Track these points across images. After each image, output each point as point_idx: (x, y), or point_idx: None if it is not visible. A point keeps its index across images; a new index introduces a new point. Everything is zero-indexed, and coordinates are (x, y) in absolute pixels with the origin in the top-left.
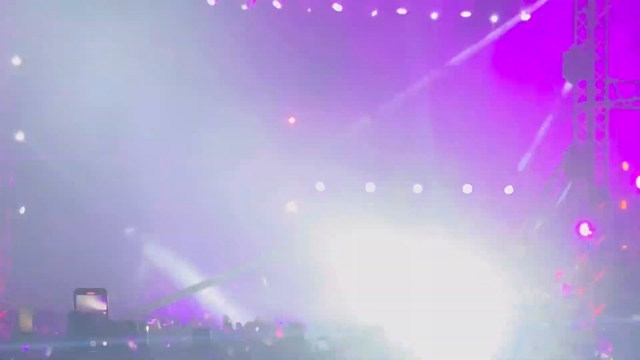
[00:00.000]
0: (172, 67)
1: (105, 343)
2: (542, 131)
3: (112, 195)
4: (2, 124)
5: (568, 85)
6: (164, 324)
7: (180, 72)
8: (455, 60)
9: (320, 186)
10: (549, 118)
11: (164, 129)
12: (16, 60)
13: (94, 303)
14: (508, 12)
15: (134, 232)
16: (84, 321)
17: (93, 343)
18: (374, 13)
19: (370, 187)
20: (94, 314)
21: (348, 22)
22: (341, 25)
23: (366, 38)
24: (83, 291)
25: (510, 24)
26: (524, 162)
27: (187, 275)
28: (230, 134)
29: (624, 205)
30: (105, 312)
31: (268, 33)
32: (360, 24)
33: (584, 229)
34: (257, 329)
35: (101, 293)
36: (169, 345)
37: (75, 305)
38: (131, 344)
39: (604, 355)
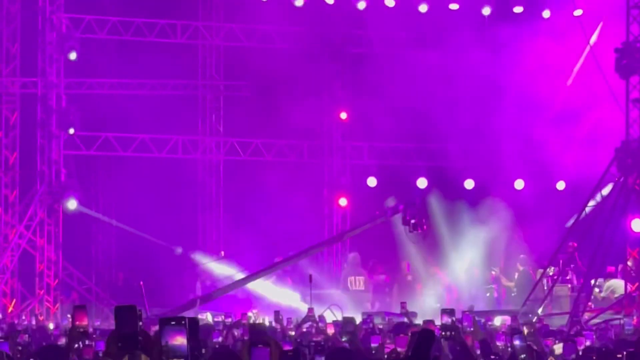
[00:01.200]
0: None
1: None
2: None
3: None
4: None
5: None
6: (215, 319)
7: None
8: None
9: (371, 181)
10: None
11: None
12: None
13: (178, 336)
14: (560, 7)
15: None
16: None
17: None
18: (424, 8)
19: (421, 182)
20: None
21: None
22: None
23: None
24: (167, 321)
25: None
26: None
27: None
28: None
29: None
30: (187, 344)
31: (322, 29)
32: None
33: (636, 225)
34: (308, 324)
35: (182, 323)
36: (220, 339)
37: (161, 339)
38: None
39: None
